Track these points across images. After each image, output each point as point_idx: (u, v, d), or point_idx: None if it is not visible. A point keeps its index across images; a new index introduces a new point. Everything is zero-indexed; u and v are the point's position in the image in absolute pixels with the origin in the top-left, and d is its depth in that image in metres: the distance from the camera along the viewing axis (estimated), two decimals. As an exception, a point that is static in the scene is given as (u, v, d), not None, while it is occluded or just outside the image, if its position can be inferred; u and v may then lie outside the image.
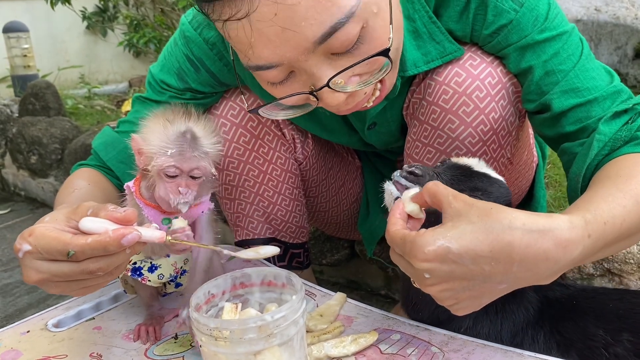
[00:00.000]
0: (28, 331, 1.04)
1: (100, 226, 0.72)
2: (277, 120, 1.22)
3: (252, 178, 1.24)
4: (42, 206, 3.13)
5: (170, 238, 0.77)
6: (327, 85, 0.80)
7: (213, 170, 0.88)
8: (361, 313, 1.04)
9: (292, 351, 0.75)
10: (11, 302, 2.02)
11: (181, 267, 1.02)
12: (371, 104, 0.91)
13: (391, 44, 0.82)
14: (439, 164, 0.92)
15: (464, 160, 0.90)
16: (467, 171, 0.87)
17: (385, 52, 0.81)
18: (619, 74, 2.49)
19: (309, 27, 0.74)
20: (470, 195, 0.83)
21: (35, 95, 3.34)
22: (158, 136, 0.85)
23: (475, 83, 0.99)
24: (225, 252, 0.82)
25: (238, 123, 1.19)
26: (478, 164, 0.90)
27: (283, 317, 0.72)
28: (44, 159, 3.03)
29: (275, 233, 1.32)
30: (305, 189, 1.37)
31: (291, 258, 1.37)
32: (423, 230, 0.67)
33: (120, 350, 0.97)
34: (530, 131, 1.24)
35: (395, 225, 0.71)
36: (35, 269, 0.74)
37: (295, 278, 0.84)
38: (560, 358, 0.85)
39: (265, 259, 1.31)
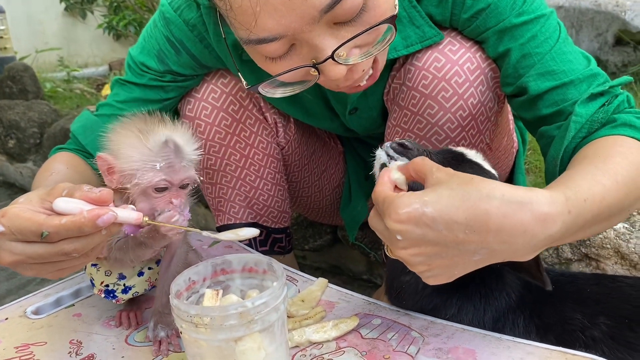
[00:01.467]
0: (6, 318, 1.03)
1: (75, 206, 0.70)
2: (259, 104, 1.21)
3: (233, 162, 1.23)
4: (20, 191, 3.08)
5: (146, 219, 0.76)
6: (332, 56, 0.78)
7: (197, 178, 0.85)
8: (342, 298, 1.04)
9: (272, 337, 0.74)
10: (-10, 289, 2.00)
11: (155, 279, 1.00)
12: (364, 82, 0.90)
13: (397, 11, 0.81)
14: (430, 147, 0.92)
15: (460, 149, 0.91)
16: (459, 157, 0.87)
17: (392, 19, 0.79)
18: (599, 60, 2.52)
19: None
20: None
21: (12, 78, 3.27)
22: (138, 150, 0.79)
23: (454, 68, 0.99)
24: (205, 233, 0.81)
25: (219, 106, 1.17)
26: (474, 155, 0.90)
27: (264, 304, 0.71)
28: (22, 143, 2.98)
29: (257, 218, 1.32)
30: (288, 173, 1.36)
31: (273, 243, 1.37)
32: (403, 192, 0.67)
33: (101, 337, 0.96)
34: (510, 116, 1.25)
35: (382, 186, 0.71)
36: (9, 250, 0.72)
37: (276, 264, 0.84)
38: (538, 341, 0.86)
39: (247, 244, 1.30)
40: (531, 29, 0.94)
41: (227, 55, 1.09)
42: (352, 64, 0.81)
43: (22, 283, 2.03)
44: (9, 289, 2.00)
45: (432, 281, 0.72)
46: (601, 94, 0.90)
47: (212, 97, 1.17)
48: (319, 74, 0.82)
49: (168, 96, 1.16)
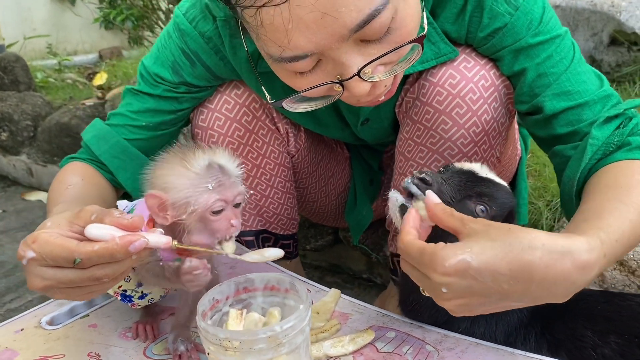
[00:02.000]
0: (22, 329, 1.03)
1: (106, 233, 0.71)
2: (272, 115, 1.22)
3: (246, 173, 1.23)
4: (13, 184, 3.05)
5: (175, 243, 0.77)
6: (358, 74, 0.78)
7: (246, 192, 0.85)
8: (356, 310, 1.06)
9: (298, 358, 0.76)
10: (-11, 286, 1.99)
11: (172, 288, 1.01)
12: (383, 97, 0.90)
13: (426, 31, 0.82)
14: (442, 169, 0.93)
15: (468, 166, 0.91)
16: (472, 177, 0.89)
17: (421, 39, 0.80)
18: (594, 60, 2.54)
19: (348, 13, 0.72)
20: (477, 201, 0.86)
21: (3, 69, 3.22)
22: (187, 177, 0.79)
23: (469, 85, 1.00)
24: (231, 255, 0.82)
25: (232, 117, 1.18)
26: (481, 169, 0.91)
27: (291, 327, 0.73)
28: (15, 136, 2.95)
29: (267, 225, 1.33)
30: (296, 180, 1.38)
31: (280, 249, 1.38)
32: (442, 244, 0.67)
33: (119, 350, 0.97)
34: (515, 125, 1.27)
35: (409, 235, 0.72)
36: (40, 276, 0.73)
37: (299, 284, 0.85)
38: (550, 357, 0.89)
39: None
40: (547, 48, 0.96)
41: (243, 67, 1.10)
42: (376, 81, 0.82)
43: (20, 281, 2.03)
44: (7, 287, 1.99)
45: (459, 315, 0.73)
46: (616, 116, 0.92)
47: (225, 108, 1.17)
48: (343, 90, 0.82)
49: (182, 107, 1.17)
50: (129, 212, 0.92)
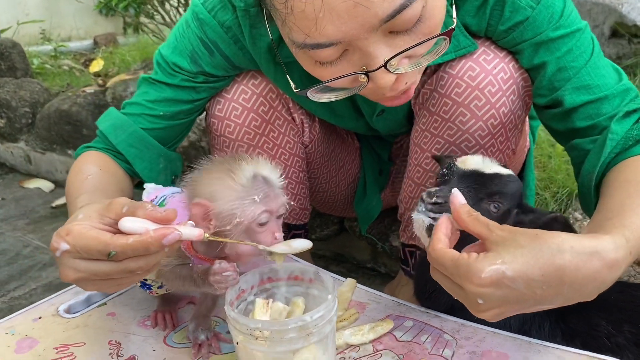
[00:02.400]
0: (40, 317, 1.04)
1: (140, 226, 0.71)
2: (288, 105, 1.22)
3: None
4: (11, 171, 3.03)
5: (207, 235, 0.77)
6: (385, 65, 0.77)
7: (289, 203, 0.85)
8: (372, 299, 1.07)
9: (326, 347, 0.78)
10: (-8, 274, 1.98)
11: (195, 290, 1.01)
12: (404, 96, 0.90)
13: (455, 24, 0.82)
14: (445, 170, 0.92)
15: (471, 163, 0.90)
16: (479, 177, 0.88)
17: (449, 32, 0.80)
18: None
19: (380, 3, 0.71)
20: (489, 201, 0.86)
21: (0, 55, 3.18)
22: (234, 189, 0.78)
23: (488, 78, 1.01)
24: (260, 247, 0.83)
25: (249, 107, 1.18)
26: (483, 163, 0.91)
27: (321, 317, 0.74)
28: (13, 122, 2.92)
29: (281, 216, 1.34)
30: (308, 170, 1.38)
31: (292, 238, 1.39)
32: (474, 254, 0.68)
33: (139, 338, 0.98)
34: (526, 118, 1.28)
35: (440, 243, 0.72)
36: (73, 268, 0.73)
37: (324, 274, 0.86)
38: (564, 346, 0.91)
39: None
40: (567, 42, 0.96)
41: (262, 57, 1.09)
42: (401, 73, 0.81)
43: (23, 269, 2.02)
44: (10, 274, 1.98)
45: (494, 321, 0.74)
46: (635, 110, 0.93)
47: (242, 97, 1.17)
48: (368, 80, 0.81)
49: (199, 97, 1.17)
50: (159, 204, 0.92)
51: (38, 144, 2.85)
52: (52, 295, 1.11)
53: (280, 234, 0.83)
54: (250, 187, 0.78)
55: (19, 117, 2.91)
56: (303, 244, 0.84)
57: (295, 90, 0.88)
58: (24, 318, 1.04)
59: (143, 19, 4.05)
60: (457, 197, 0.76)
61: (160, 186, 1.04)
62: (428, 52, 0.83)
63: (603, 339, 0.91)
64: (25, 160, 2.91)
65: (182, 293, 1.08)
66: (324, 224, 1.93)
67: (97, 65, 3.73)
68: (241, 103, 1.17)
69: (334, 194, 1.50)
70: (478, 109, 1.03)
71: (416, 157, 1.18)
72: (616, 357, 0.88)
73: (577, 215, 1.52)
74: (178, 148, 1.29)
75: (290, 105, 1.22)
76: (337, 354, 0.92)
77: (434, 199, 0.83)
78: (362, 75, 0.80)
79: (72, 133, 2.65)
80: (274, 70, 1.12)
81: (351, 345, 0.94)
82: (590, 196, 0.96)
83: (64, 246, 0.72)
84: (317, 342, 0.76)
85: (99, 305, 1.08)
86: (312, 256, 1.98)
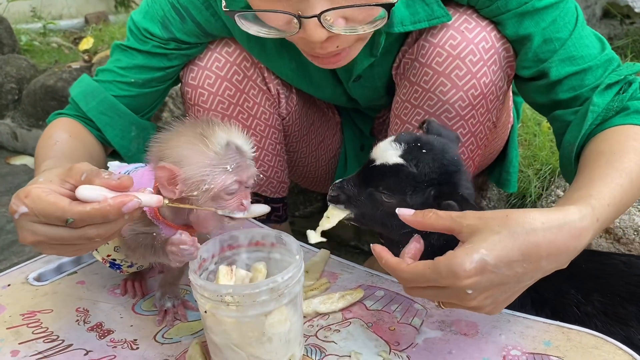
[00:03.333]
0: (9, 285, 1.03)
1: (97, 194, 0.70)
2: (263, 75, 1.20)
3: None
4: (-2, 148, 3.01)
5: (167, 202, 0.76)
6: (319, 16, 0.77)
7: (258, 173, 0.84)
8: (345, 269, 1.07)
9: (295, 308, 0.77)
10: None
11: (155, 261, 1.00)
12: (336, 60, 0.90)
13: (396, 1, 0.81)
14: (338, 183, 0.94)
15: (375, 151, 0.91)
16: (372, 169, 0.90)
17: (390, 5, 0.79)
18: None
19: None
20: (377, 191, 0.89)
21: (-14, 30, 3.14)
22: (206, 156, 0.76)
23: (469, 47, 0.99)
24: (220, 212, 0.81)
25: (223, 76, 1.16)
26: (383, 153, 0.90)
27: (290, 277, 0.74)
28: (0, 99, 2.89)
29: (256, 188, 1.32)
30: (286, 144, 1.36)
31: (270, 212, 1.37)
32: (449, 252, 0.69)
33: (107, 306, 0.97)
34: (510, 93, 1.26)
35: (403, 262, 0.74)
36: (31, 231, 0.72)
37: (287, 237, 0.85)
38: (534, 315, 0.90)
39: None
40: (552, 13, 0.95)
41: (234, 22, 1.07)
42: (333, 33, 0.80)
43: (6, 243, 2.01)
44: (-4, 246, 1.98)
45: (496, 312, 0.76)
46: (616, 82, 0.94)
47: (215, 65, 1.15)
48: (299, 29, 0.80)
49: (171, 64, 1.15)
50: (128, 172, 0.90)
51: (24, 120, 2.82)
52: (23, 264, 1.10)
53: (247, 201, 0.82)
54: (223, 155, 0.76)
55: (5, 93, 2.88)
56: (261, 208, 0.84)
57: (224, 9, 0.86)
58: (-8, 285, 1.03)
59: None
60: (403, 212, 0.78)
61: (124, 164, 1.01)
62: (368, 23, 0.82)
63: (572, 307, 0.90)
64: (11, 137, 2.89)
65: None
66: (307, 201, 1.92)
67: (86, 43, 3.69)
68: (214, 71, 1.15)
69: (314, 168, 1.49)
70: (459, 78, 1.02)
71: (396, 128, 1.16)
72: (584, 326, 0.88)
73: (559, 192, 1.51)
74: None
75: (266, 75, 1.20)
76: (305, 322, 0.91)
77: (330, 192, 0.92)
78: (295, 21, 0.78)
79: (57, 108, 2.59)
80: (247, 36, 1.10)
81: (320, 314, 0.93)
82: (571, 166, 0.97)
83: (23, 209, 0.70)
84: (288, 304, 0.75)
85: (69, 274, 1.07)
86: (296, 234, 1.97)
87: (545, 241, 0.68)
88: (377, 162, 0.90)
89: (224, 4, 0.88)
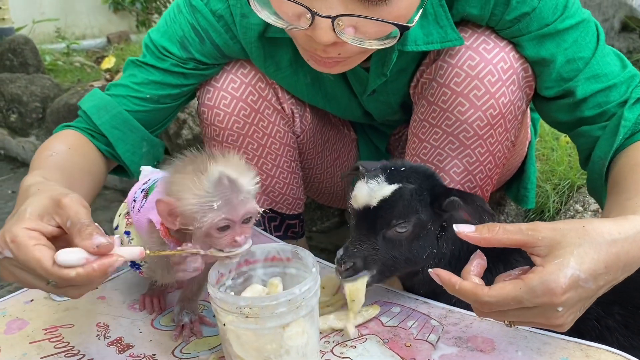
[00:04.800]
0: (32, 300, 1.05)
1: (78, 257, 0.70)
2: (277, 95, 1.22)
3: (251, 151, 1.25)
4: (22, 165, 3.07)
5: (148, 252, 0.76)
6: (334, 18, 0.76)
7: (259, 208, 0.81)
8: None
9: (312, 321, 0.79)
10: (-2, 264, 2.00)
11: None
12: (334, 65, 0.90)
13: (413, 25, 0.82)
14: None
15: (359, 198, 0.90)
16: (371, 212, 0.89)
17: (405, 28, 0.80)
18: (605, 46, 2.51)
19: None
20: (391, 229, 0.87)
21: (13, 51, 3.24)
22: (194, 193, 0.75)
23: (488, 67, 1.00)
24: (202, 252, 0.79)
25: (239, 96, 1.18)
26: (370, 193, 0.89)
27: (308, 289, 0.75)
28: (24, 117, 2.97)
29: (273, 204, 1.34)
30: (302, 160, 1.38)
31: (287, 228, 1.39)
32: (539, 269, 0.68)
33: (127, 321, 0.99)
34: (527, 110, 1.27)
35: (486, 287, 0.71)
36: (14, 274, 0.73)
37: (302, 251, 0.86)
38: (552, 332, 0.89)
39: (263, 230, 1.32)
40: (573, 34, 0.98)
41: (253, 46, 1.10)
42: (340, 40, 0.80)
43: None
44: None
45: (568, 328, 0.74)
46: None
47: (231, 87, 1.17)
48: (311, 25, 0.78)
49: (188, 82, 1.17)
50: (149, 188, 0.91)
51: (48, 138, 2.89)
52: (45, 279, 1.12)
53: (241, 238, 0.79)
54: (212, 192, 0.75)
55: (30, 111, 2.96)
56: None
57: None
58: (16, 301, 1.05)
59: (154, 16, 4.09)
60: (463, 229, 0.74)
61: (157, 170, 1.03)
62: (377, 39, 0.83)
63: (592, 321, 0.90)
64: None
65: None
66: (324, 217, 1.93)
67: (108, 62, 3.78)
68: (230, 92, 1.17)
69: (330, 184, 1.50)
70: (477, 98, 1.02)
71: (414, 147, 1.17)
72: (605, 340, 0.87)
73: (578, 207, 1.50)
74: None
75: (280, 94, 1.22)
76: (321, 338, 0.91)
77: (343, 267, 0.87)
78: (308, 16, 0.78)
79: (80, 127, 2.68)
80: (263, 58, 1.12)
81: (336, 330, 0.93)
82: (602, 180, 0.99)
83: (7, 253, 0.71)
84: (305, 316, 0.76)
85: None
86: (314, 249, 1.98)
87: (624, 251, 0.69)
88: (374, 203, 0.88)
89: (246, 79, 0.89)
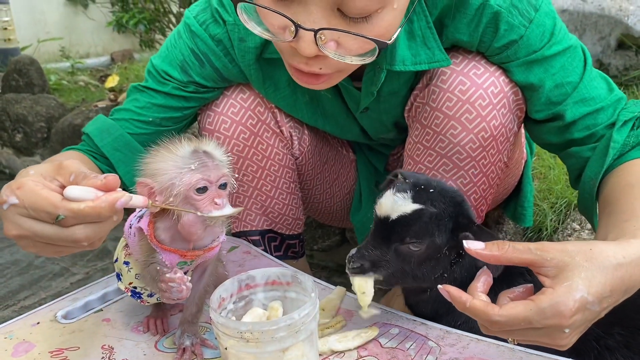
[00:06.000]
0: (38, 322, 1.07)
1: (87, 193, 0.71)
2: (276, 118, 1.26)
3: (250, 173, 1.28)
4: (27, 184, 3.11)
5: (151, 202, 0.79)
6: (316, 32, 0.79)
7: (232, 178, 0.87)
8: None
9: (311, 344, 0.81)
10: (3, 284, 2.03)
11: None
12: (315, 80, 0.92)
13: (392, 43, 0.85)
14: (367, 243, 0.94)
15: (383, 207, 0.92)
16: (390, 224, 0.90)
17: (384, 45, 0.83)
18: (602, 64, 2.55)
19: None
20: (404, 244, 0.90)
21: (18, 71, 3.29)
22: (171, 162, 0.82)
23: (478, 92, 1.03)
24: (199, 213, 0.83)
25: (238, 120, 1.22)
26: (393, 205, 0.90)
27: (307, 314, 0.77)
28: (30, 137, 3.01)
29: (272, 225, 1.36)
30: (301, 181, 1.41)
31: (287, 248, 1.41)
32: (548, 290, 0.70)
33: (131, 343, 1.01)
34: (522, 130, 1.29)
35: (496, 307, 0.72)
36: (17, 224, 0.72)
37: (302, 276, 0.88)
38: (551, 351, 0.91)
39: (263, 250, 1.35)
40: (560, 60, 1.02)
41: (252, 69, 1.13)
42: (322, 54, 0.82)
43: (34, 278, 2.07)
44: (22, 284, 2.03)
45: (569, 346, 0.75)
46: (630, 119, 1.00)
47: (231, 111, 1.21)
48: (294, 37, 0.80)
49: (189, 105, 1.20)
50: (142, 214, 0.94)
51: (52, 157, 2.92)
52: (51, 302, 1.14)
53: (220, 200, 0.84)
54: (189, 158, 0.81)
55: (35, 131, 3.00)
56: (236, 208, 0.86)
57: None
58: (23, 323, 1.07)
59: (157, 36, 4.15)
60: (473, 245, 0.76)
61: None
62: (357, 55, 0.85)
63: (592, 341, 0.91)
64: (40, 174, 2.99)
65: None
66: (325, 235, 1.95)
67: (112, 81, 3.82)
68: (230, 116, 1.21)
69: (330, 205, 1.53)
70: (469, 122, 1.05)
71: (409, 168, 1.20)
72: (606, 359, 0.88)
73: (575, 225, 1.52)
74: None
75: (279, 118, 1.26)
76: (321, 360, 0.93)
77: (351, 265, 0.91)
78: (292, 29, 0.80)
79: (84, 147, 2.71)
80: (262, 79, 1.15)
81: (336, 352, 0.95)
82: (592, 200, 1.02)
83: (13, 199, 0.70)
84: (304, 340, 0.79)
85: (96, 312, 1.11)
86: (315, 267, 2.00)
87: (627, 275, 0.71)
88: (393, 217, 0.90)
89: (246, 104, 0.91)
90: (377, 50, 0.83)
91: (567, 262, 0.70)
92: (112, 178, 0.73)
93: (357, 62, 0.85)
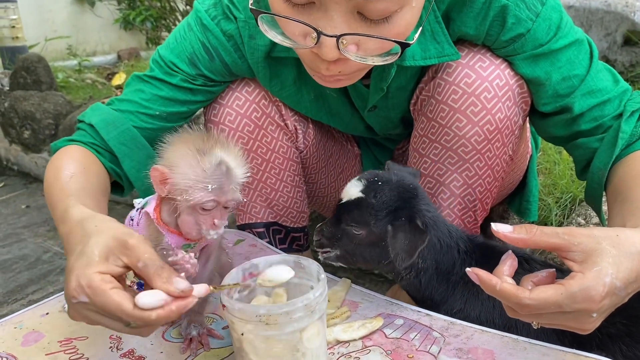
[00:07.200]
0: (47, 313, 1.09)
1: (157, 300, 0.71)
2: (280, 112, 1.26)
3: (255, 166, 1.29)
4: (35, 181, 3.13)
5: (212, 288, 0.79)
6: (339, 37, 0.79)
7: (242, 198, 0.88)
8: (366, 298, 1.10)
9: (323, 323, 0.83)
10: (12, 278, 2.05)
11: None
12: (338, 80, 0.93)
13: (414, 42, 0.85)
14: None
15: (345, 192, 1.01)
16: (340, 207, 1.00)
17: (405, 45, 0.83)
18: (608, 60, 2.55)
19: None
20: (347, 226, 0.98)
21: (26, 69, 3.31)
22: (193, 170, 0.82)
23: (484, 84, 1.04)
24: (244, 283, 0.87)
25: (243, 113, 1.22)
26: (350, 191, 0.99)
27: (320, 294, 0.79)
28: (37, 134, 3.03)
29: (277, 218, 1.37)
30: (306, 175, 1.42)
31: (292, 241, 1.42)
32: (578, 275, 0.70)
33: (139, 333, 1.02)
34: (527, 124, 1.30)
35: (527, 290, 0.72)
36: (84, 315, 0.75)
37: (306, 261, 0.89)
38: (553, 340, 0.91)
39: (268, 242, 1.36)
40: (566, 53, 1.02)
41: (260, 65, 1.14)
42: (344, 57, 0.83)
43: (42, 273, 2.09)
44: (30, 278, 2.05)
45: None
46: (637, 110, 1.02)
47: (236, 104, 1.22)
48: (316, 44, 0.81)
49: (195, 99, 1.20)
50: (142, 206, 0.94)
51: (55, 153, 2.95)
52: (61, 293, 1.15)
53: (220, 222, 0.87)
54: (210, 175, 0.82)
55: (43, 128, 3.02)
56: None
57: (250, 7, 0.87)
58: (32, 313, 1.09)
59: (164, 33, 4.18)
60: (500, 228, 0.75)
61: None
62: (378, 55, 0.86)
63: (594, 330, 0.91)
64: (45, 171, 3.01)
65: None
66: (331, 230, 1.95)
67: (119, 79, 3.86)
68: (235, 109, 1.22)
69: (334, 198, 1.53)
70: (474, 114, 1.06)
71: (415, 161, 1.21)
72: (608, 349, 0.88)
73: (580, 220, 1.52)
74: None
75: (283, 112, 1.27)
76: (327, 349, 0.94)
77: (314, 238, 1.03)
78: (314, 35, 0.80)
79: (91, 143, 2.73)
80: (269, 77, 1.16)
81: (341, 342, 0.96)
82: (601, 190, 1.04)
83: (83, 298, 0.72)
84: (319, 319, 0.80)
85: (103, 303, 1.12)
86: (318, 261, 2.00)
87: None
88: (344, 200, 0.99)
89: (250, 1, 0.89)
90: (400, 50, 0.84)
91: (595, 248, 0.71)
92: (188, 289, 0.73)
93: (379, 62, 0.86)
